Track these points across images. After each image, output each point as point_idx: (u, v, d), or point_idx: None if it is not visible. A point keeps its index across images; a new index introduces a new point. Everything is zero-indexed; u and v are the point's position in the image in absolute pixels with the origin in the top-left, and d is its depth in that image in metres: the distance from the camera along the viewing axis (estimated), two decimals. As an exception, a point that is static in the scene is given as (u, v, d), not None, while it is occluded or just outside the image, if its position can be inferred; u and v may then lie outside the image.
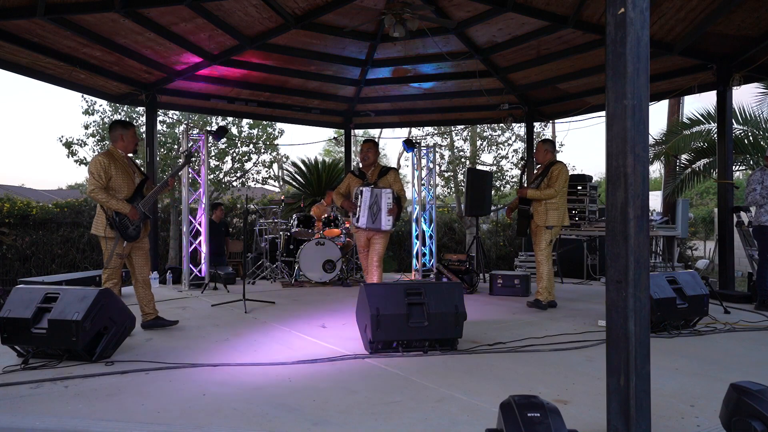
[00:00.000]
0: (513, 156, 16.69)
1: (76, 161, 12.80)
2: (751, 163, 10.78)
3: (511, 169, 16.49)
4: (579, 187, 8.28)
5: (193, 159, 7.41)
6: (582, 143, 54.75)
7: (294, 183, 13.56)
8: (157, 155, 9.75)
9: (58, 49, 6.68)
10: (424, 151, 8.97)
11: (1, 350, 3.72)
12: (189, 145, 7.37)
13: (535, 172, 6.03)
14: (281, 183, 19.30)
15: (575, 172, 12.16)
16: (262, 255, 8.79)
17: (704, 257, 14.40)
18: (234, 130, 14.23)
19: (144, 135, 8.94)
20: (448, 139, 17.85)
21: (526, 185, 5.99)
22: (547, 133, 20.65)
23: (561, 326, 4.81)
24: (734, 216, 6.98)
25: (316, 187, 12.44)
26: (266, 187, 19.71)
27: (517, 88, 8.86)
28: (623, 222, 2.19)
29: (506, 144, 16.71)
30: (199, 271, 7.65)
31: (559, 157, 22.89)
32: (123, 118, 13.34)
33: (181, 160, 6.51)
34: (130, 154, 4.72)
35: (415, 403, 2.86)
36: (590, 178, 8.54)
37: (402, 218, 15.10)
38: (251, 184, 15.68)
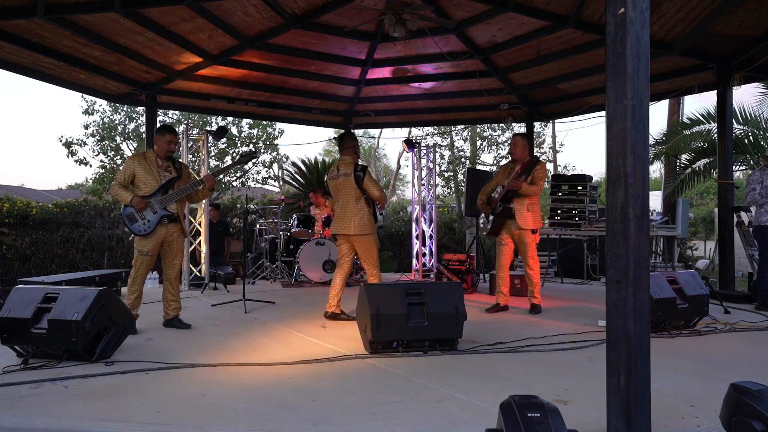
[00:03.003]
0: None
1: (76, 161, 12.85)
2: (751, 163, 10.77)
3: (511, 169, 16.47)
4: (579, 187, 8.28)
5: (190, 158, 7.41)
6: (582, 143, 54.76)
7: (294, 183, 13.55)
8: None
9: (58, 49, 6.67)
10: (424, 151, 8.97)
11: (1, 350, 3.72)
12: (249, 147, 7.32)
13: (515, 168, 5.51)
14: (281, 183, 19.32)
15: (575, 172, 12.13)
16: (262, 255, 8.79)
17: (704, 257, 14.39)
18: (234, 130, 14.24)
19: (144, 135, 8.94)
20: (448, 139, 17.86)
21: (506, 183, 5.49)
22: (547, 133, 20.67)
23: (561, 326, 4.81)
24: (734, 216, 6.97)
25: (316, 187, 12.42)
26: (266, 187, 19.74)
27: (517, 88, 8.86)
28: (623, 222, 2.19)
29: (506, 144, 16.77)
30: (199, 271, 7.65)
31: (559, 157, 22.78)
32: (123, 119, 13.38)
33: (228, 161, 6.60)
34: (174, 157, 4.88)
35: (415, 403, 2.86)
36: (590, 178, 8.53)
37: (402, 218, 15.16)
38: (251, 184, 15.69)
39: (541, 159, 5.75)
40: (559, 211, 8.37)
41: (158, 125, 5.12)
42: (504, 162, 16.50)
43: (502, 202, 5.47)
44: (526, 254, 5.48)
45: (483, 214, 5.81)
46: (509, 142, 5.76)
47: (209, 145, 8.09)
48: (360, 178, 5.12)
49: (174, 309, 4.80)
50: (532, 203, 5.40)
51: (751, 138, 10.74)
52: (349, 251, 5.31)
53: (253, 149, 6.45)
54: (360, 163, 5.29)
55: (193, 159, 8.16)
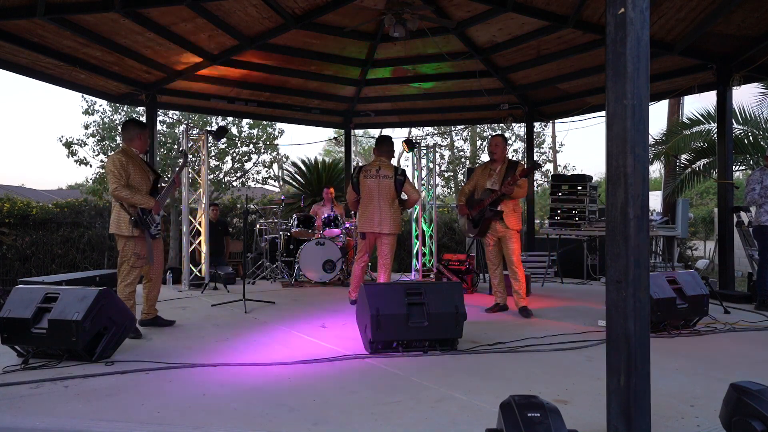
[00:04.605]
0: (513, 156, 16.68)
1: (76, 161, 12.81)
2: (751, 163, 10.77)
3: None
4: (579, 187, 8.28)
5: (190, 158, 7.43)
6: (582, 143, 54.69)
7: (294, 183, 13.56)
8: (157, 155, 9.75)
9: (58, 49, 6.67)
10: (424, 151, 8.97)
11: (1, 350, 3.71)
12: (186, 146, 7.34)
13: (495, 170, 5.56)
14: (281, 183, 19.31)
15: (575, 172, 12.12)
16: (262, 255, 8.78)
17: (704, 257, 14.39)
18: (234, 130, 14.23)
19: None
20: (448, 139, 17.88)
21: (496, 184, 5.49)
22: (547, 133, 20.69)
23: (561, 326, 4.81)
24: (734, 216, 6.97)
25: (316, 187, 12.44)
26: (266, 187, 19.74)
27: (517, 88, 8.86)
28: (623, 222, 2.19)
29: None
30: (199, 271, 7.65)
31: (559, 157, 22.79)
32: (123, 119, 13.36)
33: (180, 160, 6.63)
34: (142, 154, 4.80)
35: (415, 403, 2.86)
36: (590, 178, 8.54)
37: (402, 218, 15.18)
38: (251, 184, 15.69)
39: (520, 160, 5.97)
40: (559, 211, 8.37)
41: (131, 120, 5.01)
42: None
43: (492, 206, 5.46)
44: (512, 254, 5.42)
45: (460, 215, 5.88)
46: (489, 142, 5.82)
47: (209, 145, 8.08)
48: (401, 182, 5.66)
49: (155, 308, 4.85)
50: (515, 204, 5.46)
51: (751, 138, 10.74)
52: (371, 248, 5.82)
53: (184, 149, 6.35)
54: (400, 168, 5.81)
55: (194, 159, 8.16)
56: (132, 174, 4.45)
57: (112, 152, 13.01)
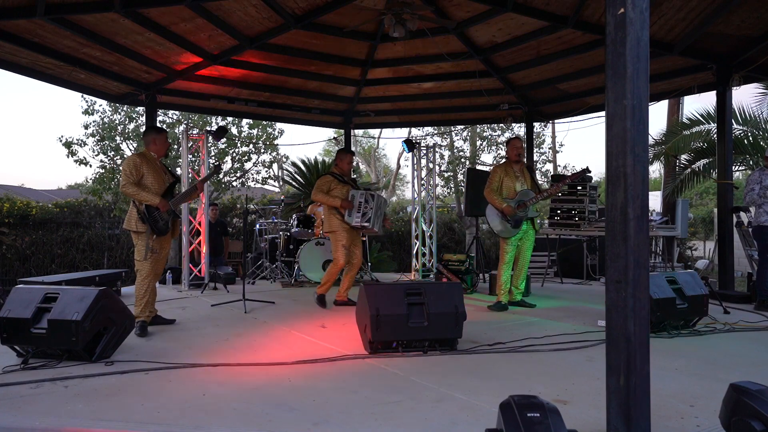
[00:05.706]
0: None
1: (76, 161, 12.81)
2: (751, 163, 10.76)
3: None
4: (579, 187, 8.28)
5: (190, 158, 7.49)
6: (582, 143, 54.73)
7: (294, 183, 13.55)
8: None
9: (58, 49, 6.67)
10: (424, 151, 8.97)
11: (1, 350, 3.71)
12: (214, 162, 7.39)
13: (518, 171, 5.86)
14: (281, 183, 19.32)
15: (575, 172, 12.04)
16: (262, 255, 8.78)
17: (704, 257, 14.39)
18: (234, 130, 14.24)
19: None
20: (448, 139, 17.87)
21: (526, 185, 5.85)
22: (547, 134, 20.68)
23: (561, 326, 4.82)
24: (734, 216, 6.98)
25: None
26: (266, 187, 19.75)
27: (517, 88, 8.86)
28: (623, 222, 2.19)
29: (506, 144, 16.71)
30: (199, 271, 7.65)
31: (559, 157, 22.81)
32: (123, 119, 13.37)
33: (209, 170, 6.85)
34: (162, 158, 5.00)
35: (415, 403, 2.86)
36: (590, 178, 8.54)
37: (402, 218, 15.18)
38: (251, 184, 15.70)
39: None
40: (559, 211, 8.37)
41: (150, 126, 5.19)
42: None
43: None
44: (531, 251, 5.81)
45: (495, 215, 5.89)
46: (509, 143, 5.98)
47: (209, 145, 8.08)
48: None
49: (154, 307, 4.89)
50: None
51: (751, 138, 10.73)
52: (347, 246, 5.94)
53: (219, 163, 6.61)
54: (330, 172, 6.02)
55: (193, 159, 8.16)
56: (145, 174, 4.66)
57: (113, 152, 13.06)
